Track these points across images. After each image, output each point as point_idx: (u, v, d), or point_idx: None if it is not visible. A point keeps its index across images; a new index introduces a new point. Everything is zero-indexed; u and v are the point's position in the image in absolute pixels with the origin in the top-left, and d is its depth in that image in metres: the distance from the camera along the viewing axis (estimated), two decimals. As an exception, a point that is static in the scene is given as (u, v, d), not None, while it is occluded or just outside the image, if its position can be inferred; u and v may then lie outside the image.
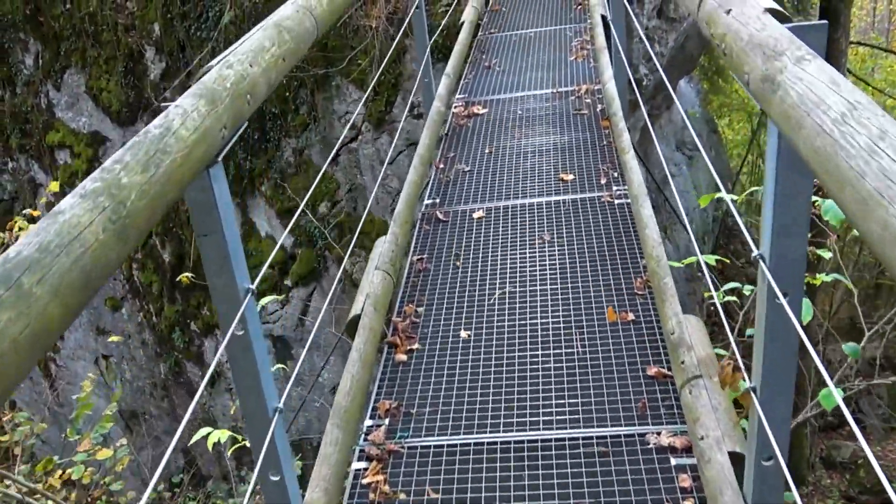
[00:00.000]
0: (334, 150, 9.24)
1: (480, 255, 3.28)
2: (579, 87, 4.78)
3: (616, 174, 3.74)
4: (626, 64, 4.23)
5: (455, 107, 4.77)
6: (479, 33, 6.09)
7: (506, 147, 4.19)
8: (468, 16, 5.67)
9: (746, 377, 1.76)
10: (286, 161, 9.59)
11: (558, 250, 3.21)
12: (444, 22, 7.72)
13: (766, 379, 1.65)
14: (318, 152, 9.49)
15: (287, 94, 9.27)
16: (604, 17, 5.47)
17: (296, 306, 9.90)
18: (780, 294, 1.44)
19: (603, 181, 3.71)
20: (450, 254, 3.32)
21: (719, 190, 11.09)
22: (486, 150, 4.19)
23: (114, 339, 9.44)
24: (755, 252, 1.61)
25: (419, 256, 3.34)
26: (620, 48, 4.31)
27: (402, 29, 6.31)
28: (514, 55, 5.52)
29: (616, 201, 3.52)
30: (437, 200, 3.76)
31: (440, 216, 3.60)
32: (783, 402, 1.69)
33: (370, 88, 6.10)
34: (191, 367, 10.77)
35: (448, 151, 4.25)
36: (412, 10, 4.19)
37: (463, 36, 5.17)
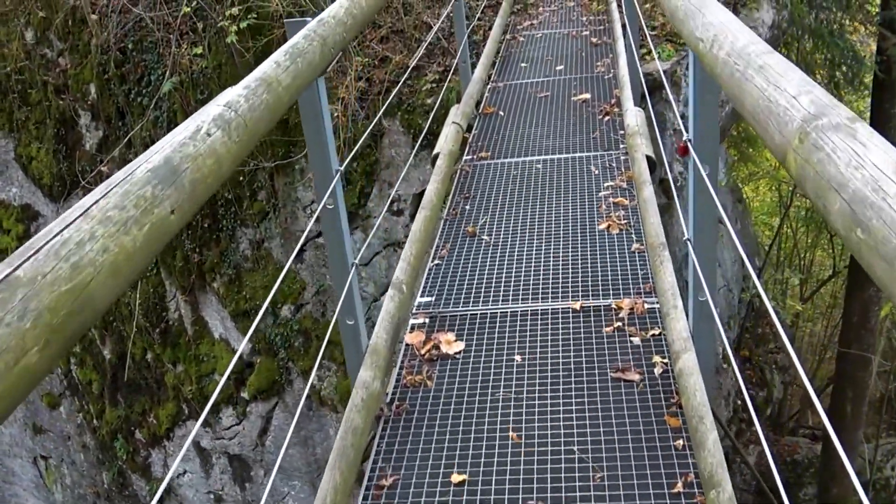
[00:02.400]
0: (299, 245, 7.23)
1: None
2: (619, 305, 2.70)
3: None
4: (715, 314, 2.18)
5: (412, 330, 2.72)
6: (466, 155, 4.03)
7: (491, 467, 2.14)
8: (447, 143, 3.57)
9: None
10: (242, 254, 7.53)
11: None
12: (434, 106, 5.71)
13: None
14: (278, 245, 7.43)
15: (241, 177, 7.23)
16: (650, 160, 3.40)
17: (254, 423, 7.86)
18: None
19: None
20: None
21: (745, 266, 8.89)
22: (455, 479, 2.14)
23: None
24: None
25: None
26: (703, 283, 2.24)
27: (378, 115, 4.32)
28: (512, 207, 3.45)
29: None
30: None
31: None
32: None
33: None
34: (136, 479, 8.74)
35: (385, 463, 2.20)
36: (347, 280, 2.13)
37: (431, 191, 3.06)
